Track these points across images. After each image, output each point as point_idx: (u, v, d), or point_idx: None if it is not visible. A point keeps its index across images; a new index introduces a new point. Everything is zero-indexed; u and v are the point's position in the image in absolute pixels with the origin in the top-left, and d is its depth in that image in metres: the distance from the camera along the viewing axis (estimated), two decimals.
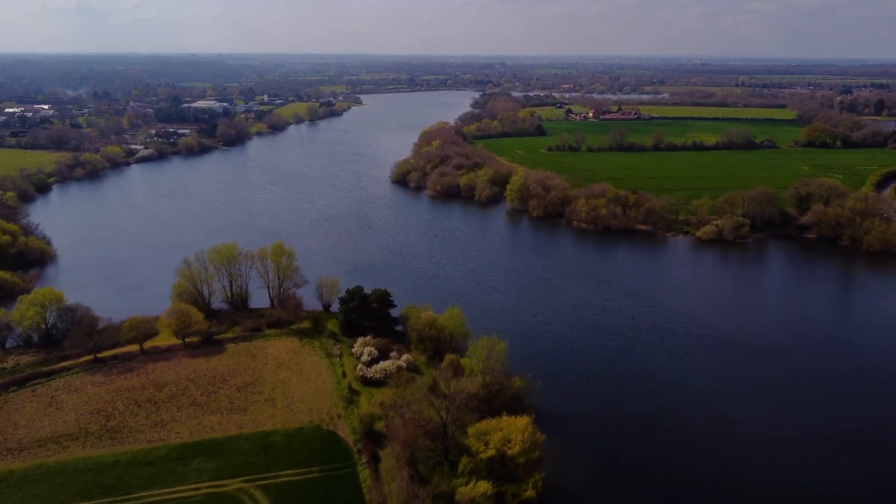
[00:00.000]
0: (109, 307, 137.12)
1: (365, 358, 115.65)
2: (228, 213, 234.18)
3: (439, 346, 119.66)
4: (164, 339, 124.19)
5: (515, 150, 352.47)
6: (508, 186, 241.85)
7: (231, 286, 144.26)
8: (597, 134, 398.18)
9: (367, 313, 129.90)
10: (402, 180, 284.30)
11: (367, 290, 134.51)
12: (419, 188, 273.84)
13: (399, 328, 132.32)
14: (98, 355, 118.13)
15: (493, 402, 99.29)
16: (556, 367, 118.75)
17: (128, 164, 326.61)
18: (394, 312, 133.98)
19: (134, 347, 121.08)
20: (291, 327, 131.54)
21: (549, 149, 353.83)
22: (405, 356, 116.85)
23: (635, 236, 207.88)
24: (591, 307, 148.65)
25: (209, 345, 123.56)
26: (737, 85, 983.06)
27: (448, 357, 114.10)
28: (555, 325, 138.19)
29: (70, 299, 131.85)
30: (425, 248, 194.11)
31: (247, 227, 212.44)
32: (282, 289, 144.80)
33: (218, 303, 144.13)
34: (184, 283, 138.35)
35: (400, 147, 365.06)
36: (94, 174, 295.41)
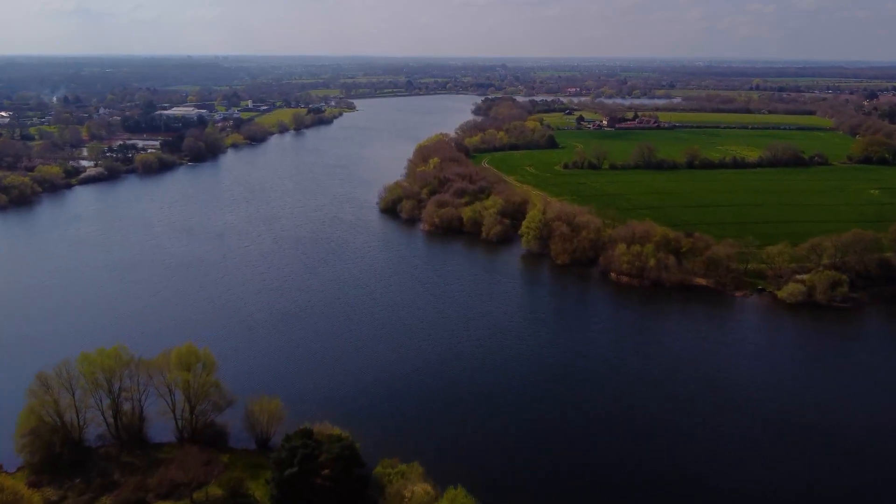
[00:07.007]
0: None
1: None
2: (155, 262, 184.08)
3: None
4: None
5: (526, 168, 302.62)
6: (525, 223, 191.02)
7: (115, 411, 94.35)
8: (613, 140, 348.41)
9: (316, 476, 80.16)
10: (392, 208, 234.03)
11: (320, 424, 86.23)
12: (413, 220, 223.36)
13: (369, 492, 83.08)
14: None
15: None
16: None
17: (69, 187, 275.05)
18: (363, 460, 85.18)
19: None
20: (195, 497, 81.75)
21: (566, 166, 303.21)
22: None
23: (694, 295, 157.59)
24: (662, 442, 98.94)
25: None
26: (751, 88, 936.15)
27: None
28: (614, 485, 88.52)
29: None
30: (414, 315, 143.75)
31: (171, 296, 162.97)
32: (194, 415, 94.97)
33: (96, 437, 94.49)
34: (36, 414, 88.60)
35: (393, 160, 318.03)
36: (21, 201, 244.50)
